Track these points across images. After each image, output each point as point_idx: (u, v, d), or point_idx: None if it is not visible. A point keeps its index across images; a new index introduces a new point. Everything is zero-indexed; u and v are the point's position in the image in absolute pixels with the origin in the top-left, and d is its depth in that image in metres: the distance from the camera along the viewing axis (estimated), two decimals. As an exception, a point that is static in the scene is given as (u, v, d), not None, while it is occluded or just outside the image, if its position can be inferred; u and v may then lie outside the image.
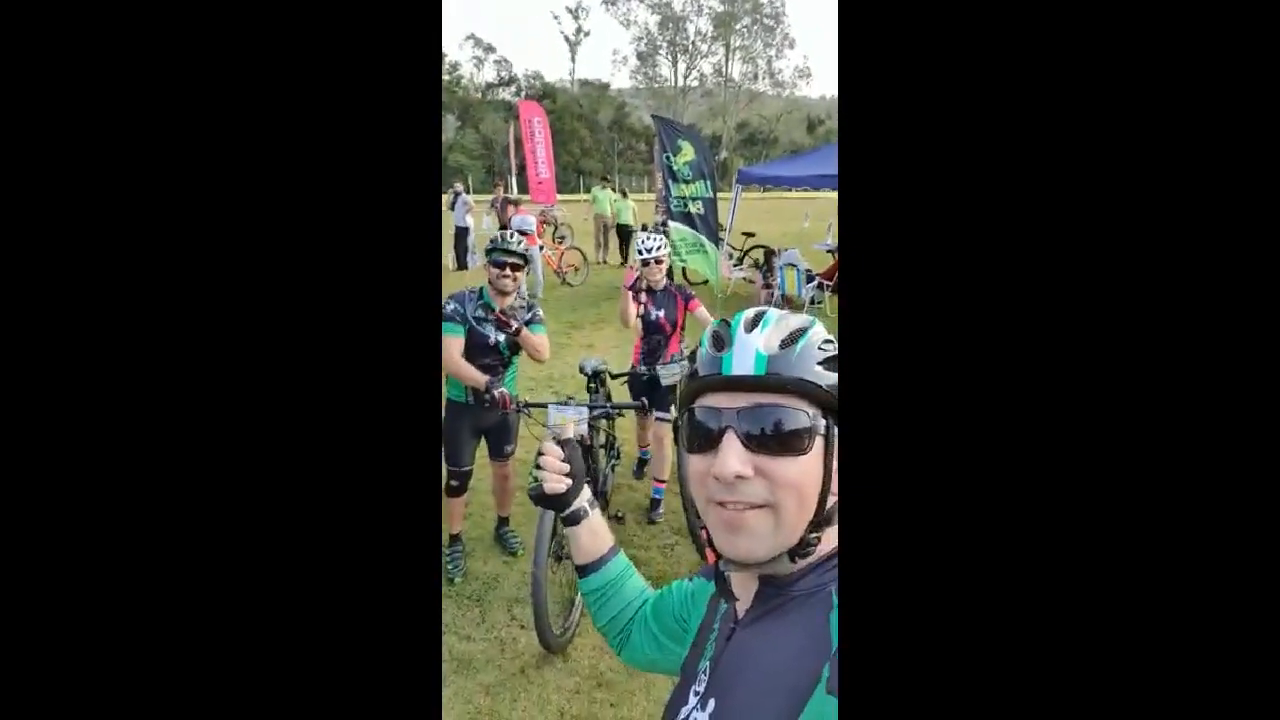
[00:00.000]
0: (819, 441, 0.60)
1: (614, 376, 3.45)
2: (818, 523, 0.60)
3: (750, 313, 0.67)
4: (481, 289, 2.94)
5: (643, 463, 4.04)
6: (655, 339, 3.60)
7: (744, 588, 0.68)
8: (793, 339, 0.63)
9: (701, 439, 0.62)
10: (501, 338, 2.90)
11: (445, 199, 12.71)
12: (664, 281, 3.57)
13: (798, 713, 0.54)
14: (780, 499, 0.59)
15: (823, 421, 0.60)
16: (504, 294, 2.90)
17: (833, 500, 0.61)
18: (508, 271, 2.86)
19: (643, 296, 3.53)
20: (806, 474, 0.59)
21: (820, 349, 0.62)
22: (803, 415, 0.60)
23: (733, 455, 0.59)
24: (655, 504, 3.62)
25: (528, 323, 2.94)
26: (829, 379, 0.61)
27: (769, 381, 0.60)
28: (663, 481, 3.63)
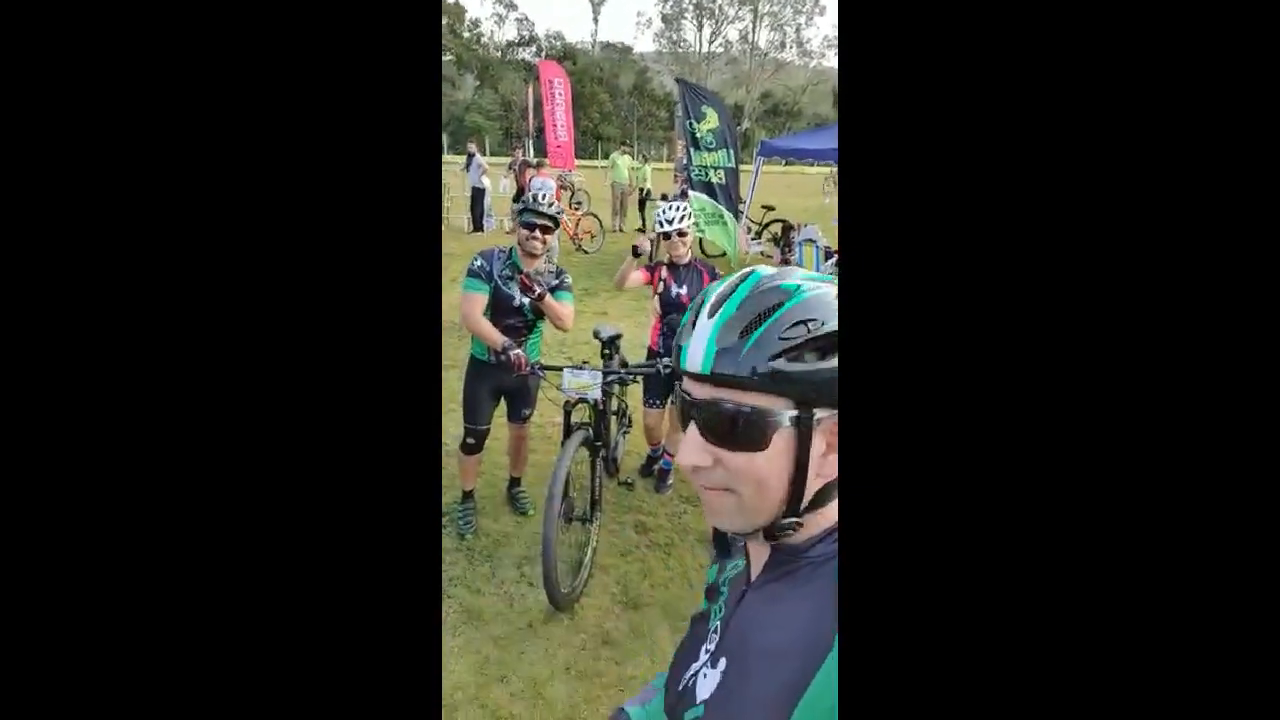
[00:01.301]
0: (783, 434, 0.56)
1: (629, 371, 3.10)
2: (792, 509, 0.59)
3: (722, 288, 0.61)
4: (511, 249, 2.93)
5: (651, 460, 3.73)
6: (675, 318, 3.30)
7: (757, 551, 0.68)
8: (753, 326, 0.57)
9: (683, 419, 0.62)
10: (525, 301, 2.89)
11: (460, 160, 12.56)
12: (688, 256, 3.27)
13: (810, 678, 0.53)
14: (739, 488, 0.59)
15: (788, 414, 0.56)
16: (532, 256, 2.86)
17: (823, 481, 0.59)
18: (537, 234, 2.82)
19: (662, 272, 3.28)
20: (764, 468, 0.57)
21: (783, 338, 0.56)
22: (757, 411, 0.56)
23: (690, 446, 0.59)
24: (664, 475, 3.66)
25: (554, 289, 2.90)
26: (797, 367, 0.55)
27: (716, 379, 0.57)
28: (674, 455, 3.64)
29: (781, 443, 0.57)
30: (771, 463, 0.57)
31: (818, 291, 0.58)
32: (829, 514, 0.61)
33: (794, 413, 0.56)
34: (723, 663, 0.64)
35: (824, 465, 0.58)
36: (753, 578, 0.67)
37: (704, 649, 0.68)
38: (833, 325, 0.56)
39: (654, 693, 0.84)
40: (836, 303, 0.57)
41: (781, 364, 0.56)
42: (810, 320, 0.56)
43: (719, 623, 0.69)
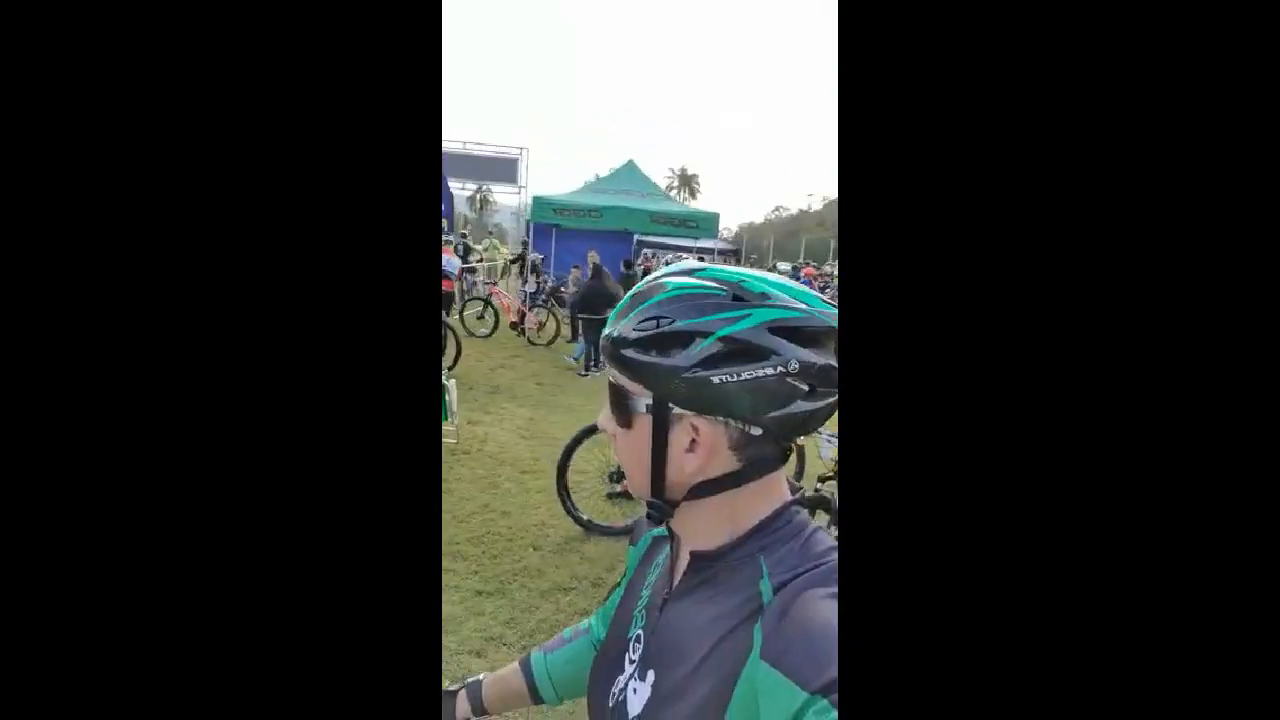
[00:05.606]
0: (643, 420, 0.61)
1: None
2: (656, 493, 0.63)
3: (651, 279, 0.64)
4: None
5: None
6: None
7: (679, 557, 0.68)
8: (624, 312, 0.62)
9: None
10: None
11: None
12: None
13: (733, 683, 0.54)
14: (622, 458, 0.66)
15: (644, 400, 0.60)
16: None
17: (695, 478, 0.61)
18: None
19: None
20: (631, 446, 0.63)
21: (636, 329, 0.60)
22: (624, 390, 0.62)
23: (605, 411, 0.65)
24: None
25: None
26: (641, 358, 0.59)
27: (608, 354, 0.64)
28: None
29: (642, 426, 0.62)
30: (635, 444, 0.63)
31: (683, 290, 0.60)
32: (739, 519, 0.62)
33: (649, 400, 0.60)
34: (651, 675, 0.64)
35: (687, 461, 0.60)
36: (673, 585, 0.68)
37: (628, 658, 0.69)
38: (681, 324, 0.58)
39: (562, 643, 0.92)
40: (698, 302, 0.58)
41: (631, 352, 0.60)
42: (661, 318, 0.59)
43: (641, 631, 0.69)
